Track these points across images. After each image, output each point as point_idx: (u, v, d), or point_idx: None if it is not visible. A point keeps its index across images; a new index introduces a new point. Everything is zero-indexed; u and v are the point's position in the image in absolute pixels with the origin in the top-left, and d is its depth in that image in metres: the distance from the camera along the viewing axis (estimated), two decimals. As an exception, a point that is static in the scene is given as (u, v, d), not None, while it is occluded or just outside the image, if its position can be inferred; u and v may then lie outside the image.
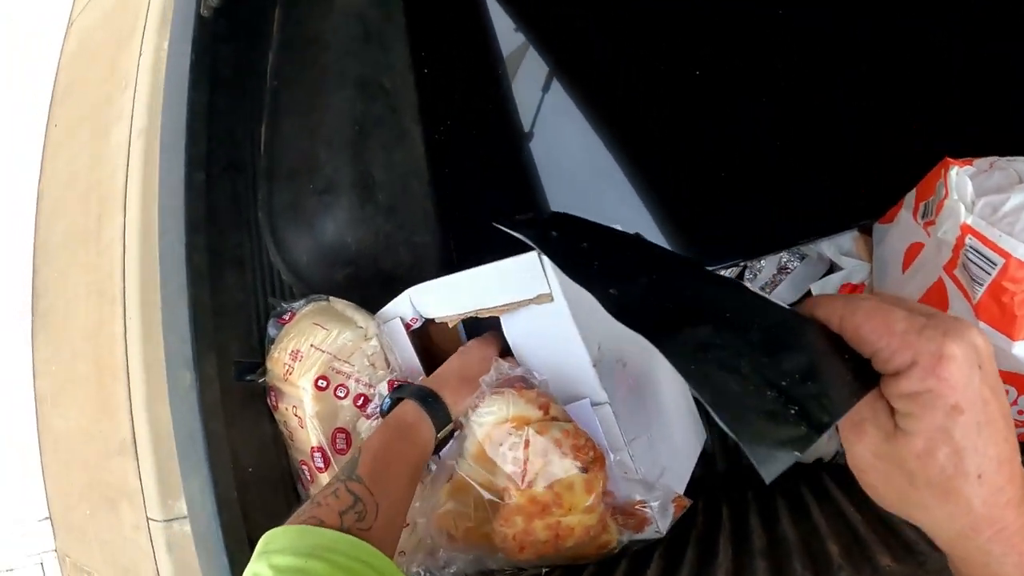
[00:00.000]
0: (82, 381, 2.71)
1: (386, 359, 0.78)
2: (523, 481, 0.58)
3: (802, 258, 0.87)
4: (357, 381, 0.75)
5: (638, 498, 0.63)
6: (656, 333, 0.36)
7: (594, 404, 0.63)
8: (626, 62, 1.04)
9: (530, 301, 0.64)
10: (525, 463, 0.57)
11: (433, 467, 0.69)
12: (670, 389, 0.80)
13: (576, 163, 1.10)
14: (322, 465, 0.73)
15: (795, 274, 0.86)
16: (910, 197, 0.69)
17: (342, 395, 0.75)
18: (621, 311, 0.40)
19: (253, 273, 0.88)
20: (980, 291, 0.55)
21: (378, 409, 0.71)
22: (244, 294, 0.86)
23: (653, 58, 1.02)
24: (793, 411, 0.30)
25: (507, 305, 0.67)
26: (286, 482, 0.83)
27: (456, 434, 0.67)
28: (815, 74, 0.93)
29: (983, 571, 0.33)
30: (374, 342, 0.77)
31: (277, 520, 0.78)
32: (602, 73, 1.07)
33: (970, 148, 0.64)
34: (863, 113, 0.91)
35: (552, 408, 0.61)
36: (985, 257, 0.54)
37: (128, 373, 2.47)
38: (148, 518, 2.30)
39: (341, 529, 0.48)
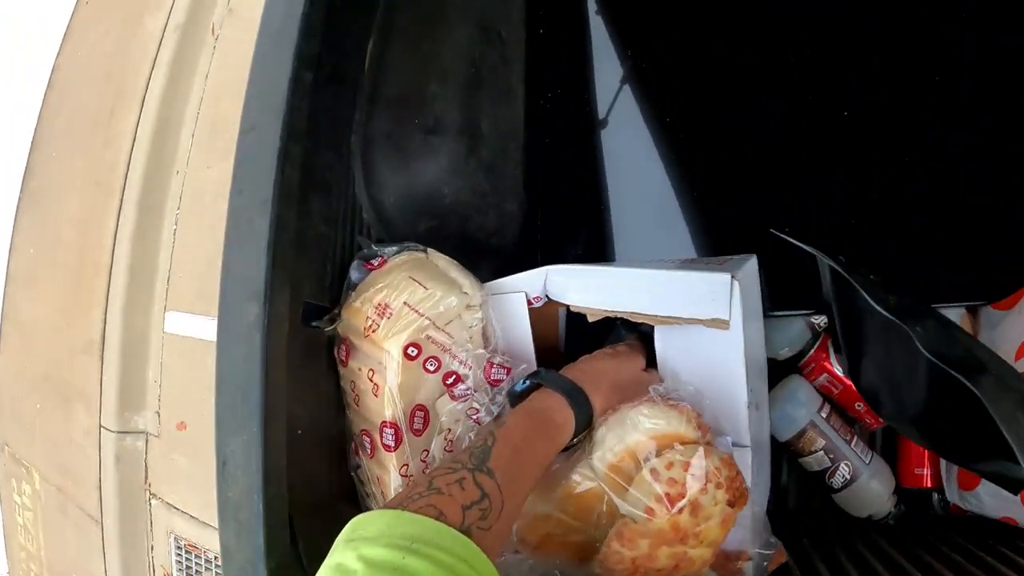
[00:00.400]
0: (60, 270, 2.53)
1: (484, 335, 0.67)
2: (674, 505, 0.50)
3: None
4: (452, 356, 0.63)
5: (746, 548, 0.59)
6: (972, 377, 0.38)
7: (735, 445, 0.57)
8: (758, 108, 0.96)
9: (702, 322, 0.58)
10: (683, 485, 0.51)
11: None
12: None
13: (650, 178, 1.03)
14: (391, 443, 0.61)
15: None
16: None
17: (432, 368, 0.62)
18: (932, 351, 0.43)
19: (339, 203, 0.76)
20: None
21: (505, 392, 0.60)
22: (327, 226, 0.73)
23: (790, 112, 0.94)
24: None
25: (674, 318, 0.58)
26: (334, 451, 0.71)
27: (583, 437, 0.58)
28: (951, 148, 0.86)
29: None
30: (479, 314, 0.64)
31: (320, 498, 0.68)
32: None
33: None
34: (998, 198, 0.85)
35: (709, 434, 0.55)
36: None
37: (111, 272, 2.31)
38: (102, 426, 2.15)
39: (462, 526, 0.41)
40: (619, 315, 0.60)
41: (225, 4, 2.53)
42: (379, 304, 0.63)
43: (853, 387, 0.80)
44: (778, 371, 0.89)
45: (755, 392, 0.63)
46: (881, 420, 0.80)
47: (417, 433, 0.61)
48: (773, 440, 0.85)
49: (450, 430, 0.64)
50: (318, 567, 0.42)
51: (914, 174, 0.80)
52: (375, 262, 0.70)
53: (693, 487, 0.51)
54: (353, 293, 0.68)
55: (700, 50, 1.00)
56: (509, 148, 1.00)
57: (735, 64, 0.96)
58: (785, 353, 0.85)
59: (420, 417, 0.62)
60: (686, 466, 0.51)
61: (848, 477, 0.78)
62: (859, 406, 0.81)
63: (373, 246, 0.72)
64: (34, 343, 2.54)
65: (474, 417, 0.64)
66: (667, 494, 0.51)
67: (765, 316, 0.79)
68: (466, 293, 0.65)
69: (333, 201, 0.74)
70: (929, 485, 0.79)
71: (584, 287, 0.62)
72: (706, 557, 0.56)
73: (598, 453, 0.55)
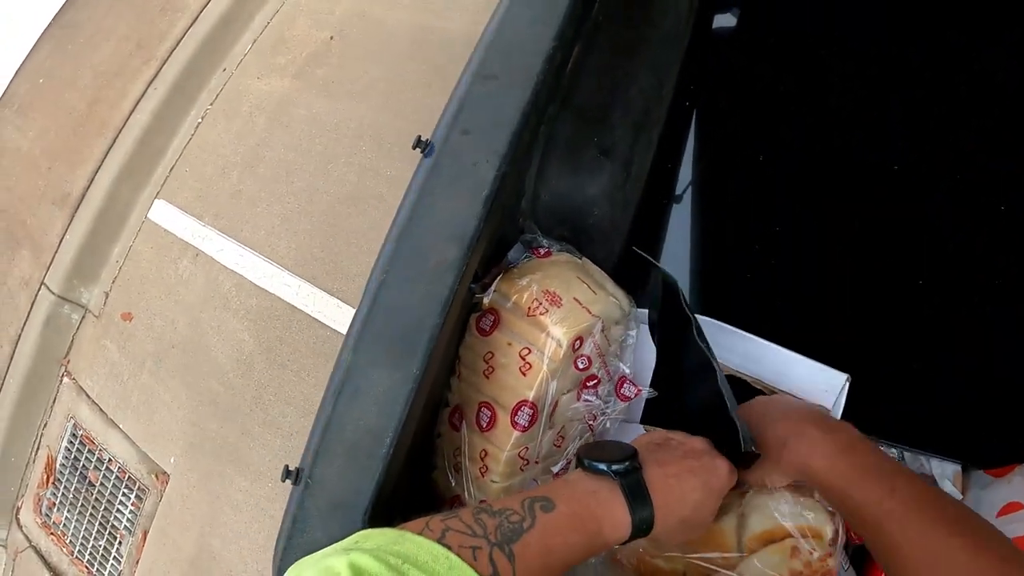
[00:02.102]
0: (64, 112, 2.40)
1: (622, 351, 0.70)
2: None
3: (902, 458, 0.90)
4: (603, 362, 0.66)
5: None
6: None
7: None
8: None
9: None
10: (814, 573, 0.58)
11: None
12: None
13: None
14: (525, 423, 0.62)
15: None
16: (1022, 470, 0.80)
17: (582, 367, 0.64)
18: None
19: (517, 176, 0.78)
20: None
21: (583, 455, 0.53)
22: (511, 198, 0.75)
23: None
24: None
25: (787, 391, 0.65)
26: (435, 404, 0.71)
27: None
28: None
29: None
30: (632, 330, 0.69)
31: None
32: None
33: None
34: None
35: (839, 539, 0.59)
36: None
37: (118, 136, 2.22)
38: (44, 283, 2.03)
39: None
40: (741, 376, 0.65)
41: (337, -68, 2.52)
42: (550, 292, 0.66)
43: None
44: None
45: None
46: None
47: (549, 423, 0.63)
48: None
49: (564, 427, 0.66)
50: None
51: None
52: (541, 250, 0.72)
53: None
54: (515, 271, 0.69)
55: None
56: (635, 193, 1.05)
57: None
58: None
59: (553, 408, 0.64)
60: (824, 559, 0.58)
61: None
62: None
63: (540, 235, 0.74)
64: (5, 173, 2.38)
65: (590, 423, 0.66)
66: (802, 573, 0.57)
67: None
68: (623, 310, 0.68)
69: (517, 179, 0.76)
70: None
71: (724, 344, 0.67)
72: None
73: (753, 514, 0.60)
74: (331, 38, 2.35)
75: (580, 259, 0.74)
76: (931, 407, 0.93)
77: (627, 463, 0.51)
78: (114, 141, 2.16)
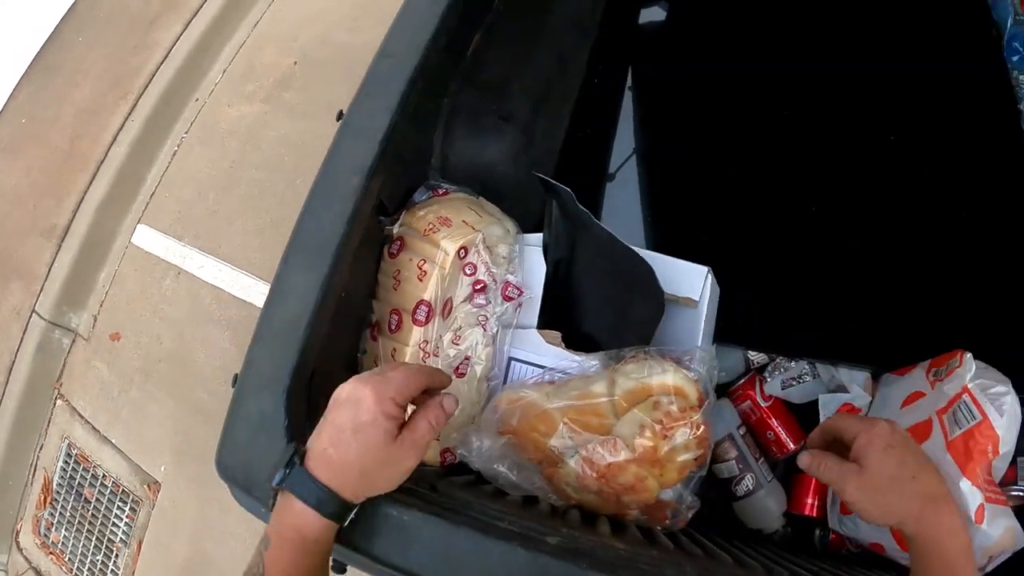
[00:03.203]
0: (48, 150, 2.64)
1: (511, 264, 0.88)
2: (664, 434, 0.69)
3: (815, 376, 1.05)
4: (488, 269, 0.84)
5: (675, 502, 0.74)
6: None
7: None
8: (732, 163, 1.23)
9: (678, 297, 0.81)
10: (677, 423, 0.68)
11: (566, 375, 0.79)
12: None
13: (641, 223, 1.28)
14: (423, 318, 0.80)
15: (806, 385, 1.04)
16: (924, 364, 0.93)
17: (469, 272, 0.83)
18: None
19: (423, 137, 0.98)
20: (957, 432, 0.78)
21: (274, 480, 0.60)
22: (412, 154, 0.94)
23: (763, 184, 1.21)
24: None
25: None
26: (353, 328, 0.88)
27: (609, 366, 0.76)
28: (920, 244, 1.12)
29: (938, 538, 0.57)
30: (514, 248, 0.86)
31: (333, 357, 0.83)
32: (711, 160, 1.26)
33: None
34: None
35: (707, 405, 0.71)
36: (970, 412, 0.79)
37: (99, 168, 2.44)
38: (35, 310, 2.24)
39: None
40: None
41: (295, -33, 2.78)
42: (442, 216, 0.84)
43: (767, 418, 1.03)
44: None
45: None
46: (784, 452, 1.03)
47: (443, 318, 0.81)
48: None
49: (461, 327, 0.84)
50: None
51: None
52: (440, 191, 0.91)
53: (682, 428, 0.68)
54: (417, 206, 0.88)
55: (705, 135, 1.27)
56: (547, 161, 1.24)
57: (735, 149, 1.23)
58: (721, 376, 1.08)
59: (448, 307, 0.82)
60: (684, 411, 0.68)
61: (750, 488, 0.99)
62: (769, 435, 1.04)
63: (442, 179, 0.93)
64: (-7, 209, 2.61)
65: (482, 322, 0.84)
66: (662, 422, 0.68)
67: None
68: (508, 231, 0.87)
69: (420, 137, 0.96)
70: (814, 514, 0.99)
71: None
72: (653, 493, 0.71)
73: (621, 378, 0.71)
74: (295, 63, 2.59)
75: (476, 197, 0.93)
76: (839, 324, 1.09)
77: (284, 470, 0.57)
78: (96, 173, 2.38)
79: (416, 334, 0.81)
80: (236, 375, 0.78)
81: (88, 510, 2.21)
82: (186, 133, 2.59)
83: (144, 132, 2.50)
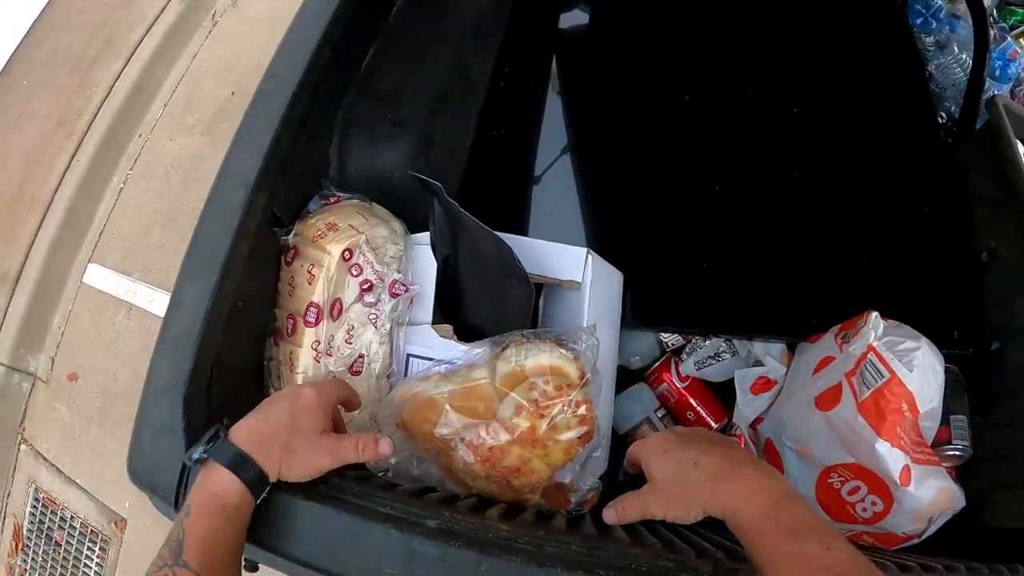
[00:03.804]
0: (3, 190, 2.68)
1: (400, 264, 0.94)
2: (539, 412, 0.71)
3: (733, 353, 1.09)
4: (372, 269, 0.90)
5: (570, 481, 0.76)
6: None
7: None
8: (646, 153, 1.28)
9: (561, 281, 0.87)
10: (552, 401, 0.72)
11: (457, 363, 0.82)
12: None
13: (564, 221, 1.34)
14: (313, 320, 0.86)
15: (724, 363, 1.08)
16: (835, 328, 0.94)
17: (355, 273, 0.89)
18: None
19: (316, 153, 1.04)
20: (867, 393, 0.79)
21: (191, 456, 0.68)
22: (303, 164, 1.00)
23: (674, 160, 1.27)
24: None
25: (542, 277, 0.87)
26: (256, 338, 0.93)
27: (492, 353, 0.79)
28: (818, 216, 1.17)
29: (735, 510, 0.58)
30: (401, 247, 0.93)
31: (237, 367, 0.89)
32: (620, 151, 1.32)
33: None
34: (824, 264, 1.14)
35: (587, 383, 0.74)
36: (878, 370, 0.79)
37: (47, 210, 2.49)
38: (-8, 355, 2.26)
39: None
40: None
41: (231, -5, 2.85)
42: (330, 222, 0.91)
43: (686, 399, 1.09)
44: (628, 380, 1.16)
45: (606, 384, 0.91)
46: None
47: (332, 318, 0.87)
48: (616, 434, 1.06)
49: (353, 327, 0.90)
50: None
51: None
52: (332, 199, 0.97)
53: (558, 406, 0.70)
54: (309, 215, 0.95)
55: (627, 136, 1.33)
56: (452, 162, 1.30)
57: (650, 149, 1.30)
58: (636, 362, 1.13)
59: (337, 308, 0.88)
60: (560, 389, 0.71)
61: None
62: (690, 415, 1.08)
63: (332, 188, 1.00)
64: (-58, 259, 2.65)
65: (373, 320, 0.90)
66: (537, 401, 0.71)
67: (623, 328, 1.08)
68: (395, 231, 0.94)
69: (313, 150, 1.02)
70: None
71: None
72: (542, 475, 0.73)
73: (501, 363, 0.74)
74: (232, 94, 2.65)
75: (368, 203, 0.99)
76: (754, 300, 1.13)
77: (208, 444, 0.65)
78: (44, 215, 2.43)
79: (308, 335, 0.87)
80: None
81: (59, 553, 2.24)
82: (131, 170, 2.64)
83: (90, 171, 2.56)
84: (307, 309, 0.87)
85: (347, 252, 0.88)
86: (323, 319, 0.86)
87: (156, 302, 2.36)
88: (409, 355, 0.94)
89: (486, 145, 1.37)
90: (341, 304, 0.89)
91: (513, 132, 1.45)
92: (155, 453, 0.78)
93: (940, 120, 1.31)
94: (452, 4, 1.36)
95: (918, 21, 1.41)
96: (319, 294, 0.86)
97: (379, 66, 1.17)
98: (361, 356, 0.89)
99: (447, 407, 0.77)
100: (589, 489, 0.77)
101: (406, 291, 0.91)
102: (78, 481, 2.27)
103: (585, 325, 0.88)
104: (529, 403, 0.72)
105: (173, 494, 0.75)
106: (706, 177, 1.23)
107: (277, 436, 0.65)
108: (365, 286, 0.89)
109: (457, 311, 0.96)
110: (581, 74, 1.47)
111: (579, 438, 0.74)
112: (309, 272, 0.88)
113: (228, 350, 0.86)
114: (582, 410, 0.73)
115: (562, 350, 0.76)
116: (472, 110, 1.37)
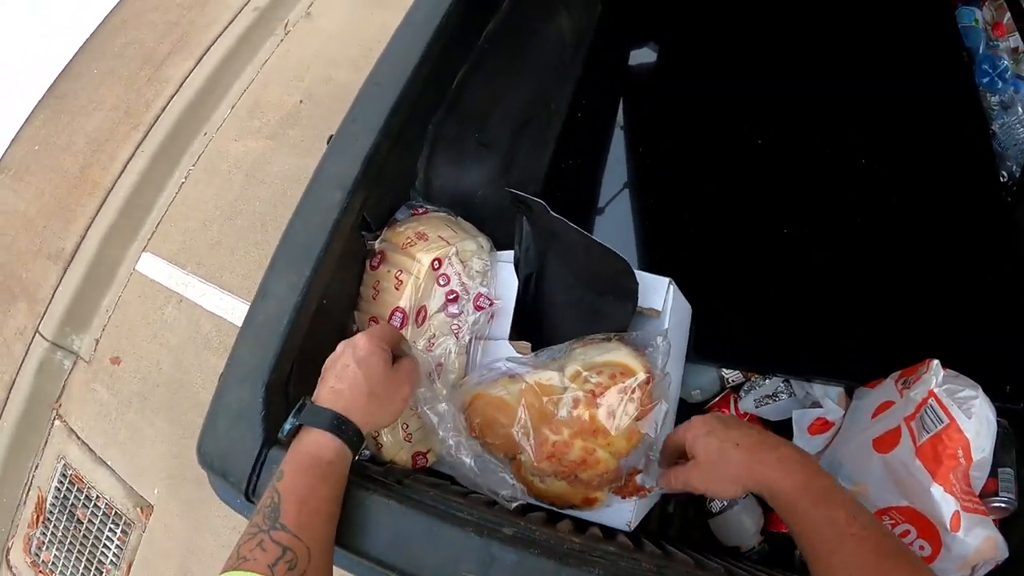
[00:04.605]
0: (59, 175, 2.76)
1: (484, 278, 0.95)
2: (595, 400, 0.73)
3: (790, 394, 1.08)
4: (460, 280, 0.91)
5: (640, 468, 0.76)
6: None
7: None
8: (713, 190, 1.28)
9: (642, 308, 0.87)
10: (607, 389, 0.73)
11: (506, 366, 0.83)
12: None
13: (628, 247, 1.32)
14: (397, 324, 0.86)
15: (782, 403, 1.07)
16: (895, 374, 0.94)
17: (443, 283, 0.89)
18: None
19: (408, 164, 1.05)
20: (925, 437, 0.80)
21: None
22: (396, 173, 1.02)
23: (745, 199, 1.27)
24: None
25: None
26: (335, 336, 0.94)
27: (563, 354, 0.80)
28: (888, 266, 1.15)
29: (773, 483, 0.62)
30: (487, 262, 0.93)
31: (314, 361, 0.89)
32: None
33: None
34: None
35: (651, 376, 0.75)
36: (937, 416, 0.80)
37: (108, 196, 2.53)
38: (38, 331, 2.31)
39: None
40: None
41: (305, 7, 2.93)
42: (419, 232, 0.91)
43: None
44: (688, 413, 1.13)
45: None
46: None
47: (417, 324, 0.87)
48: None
49: (435, 335, 0.90)
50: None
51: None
52: (420, 210, 0.98)
53: (613, 392, 0.72)
54: (398, 224, 0.95)
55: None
56: (529, 186, 1.31)
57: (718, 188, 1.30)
58: (696, 396, 1.12)
59: (422, 315, 0.88)
60: (614, 377, 0.73)
61: (725, 503, 1.01)
62: None
63: (420, 199, 1.00)
64: (2, 232, 2.70)
65: (455, 330, 0.90)
66: (592, 392, 0.72)
67: (687, 360, 1.07)
68: (482, 246, 0.94)
69: (405, 160, 1.03)
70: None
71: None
72: (609, 465, 0.74)
73: (569, 363, 0.76)
74: (300, 102, 2.70)
75: (454, 217, 1.00)
76: (814, 342, 1.12)
77: (297, 413, 0.67)
78: (104, 200, 2.48)
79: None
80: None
81: (80, 531, 2.24)
82: (193, 165, 2.69)
83: (153, 163, 2.61)
84: (392, 313, 0.87)
85: (436, 262, 0.88)
86: (408, 324, 0.86)
87: (207, 297, 2.38)
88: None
89: (561, 172, 1.39)
90: (426, 312, 0.89)
91: (587, 160, 1.46)
92: (230, 438, 0.78)
93: (1002, 179, 1.30)
94: (537, 35, 1.38)
95: (984, 80, 1.40)
96: (406, 300, 0.87)
97: (468, 87, 1.18)
98: (440, 364, 0.89)
99: (519, 407, 0.77)
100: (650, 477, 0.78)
101: (490, 305, 0.91)
102: (108, 462, 2.27)
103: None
104: (586, 394, 0.74)
105: (245, 480, 0.75)
106: (768, 206, 1.23)
107: (358, 388, 0.66)
108: (451, 296, 0.89)
109: (538, 329, 0.95)
110: (644, 100, 1.49)
111: (637, 421, 0.74)
112: (397, 278, 0.88)
113: (309, 346, 0.86)
114: (638, 396, 0.73)
115: (629, 348, 0.77)
116: (550, 137, 1.39)
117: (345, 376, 0.67)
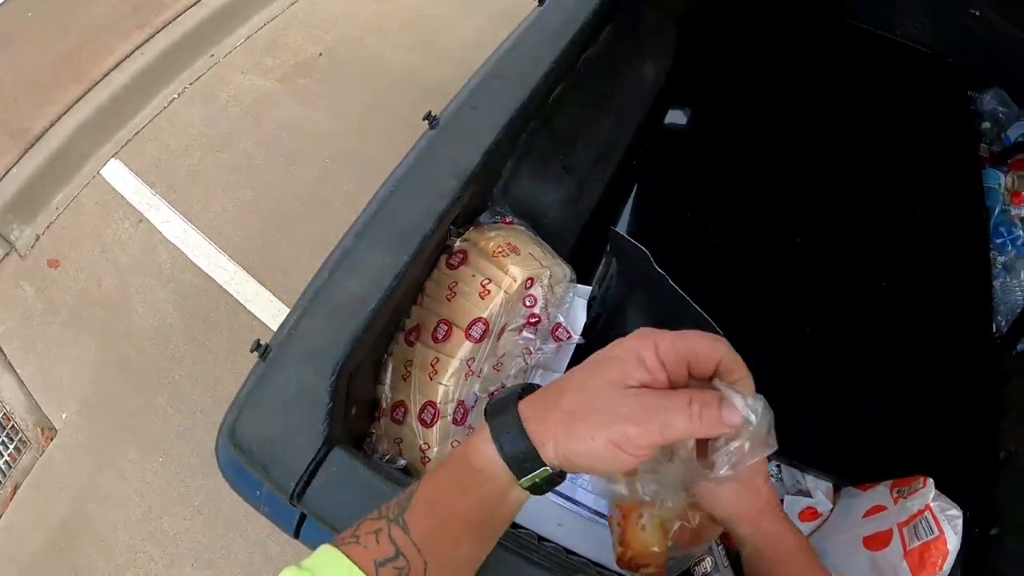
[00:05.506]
0: (46, 54, 2.53)
1: (564, 310, 0.89)
2: None
3: (779, 479, 1.09)
4: (545, 305, 0.84)
5: None
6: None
7: None
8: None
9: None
10: None
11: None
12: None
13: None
14: (477, 336, 0.78)
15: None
16: (887, 482, 1.00)
17: (529, 304, 0.83)
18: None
19: (500, 162, 0.98)
20: (916, 543, 0.87)
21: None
22: (492, 171, 0.95)
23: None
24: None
25: None
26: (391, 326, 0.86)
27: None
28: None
29: (775, 540, 0.55)
30: (568, 293, 0.88)
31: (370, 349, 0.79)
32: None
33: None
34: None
35: None
36: (930, 527, 0.87)
37: (92, 89, 2.32)
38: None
39: None
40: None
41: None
42: (510, 243, 0.85)
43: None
44: None
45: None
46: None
47: (496, 340, 0.81)
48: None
49: (504, 356, 0.84)
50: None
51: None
52: (507, 218, 0.92)
53: None
54: (485, 227, 0.89)
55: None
56: (586, 215, 1.27)
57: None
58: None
59: (500, 332, 0.82)
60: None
61: (708, 570, 1.01)
62: None
63: (507, 208, 0.94)
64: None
65: (526, 355, 0.84)
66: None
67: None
68: (567, 275, 0.88)
69: (497, 162, 0.97)
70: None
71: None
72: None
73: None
74: (320, 54, 2.56)
75: (534, 235, 0.94)
76: (809, 430, 1.13)
77: (501, 401, 0.46)
78: (87, 92, 2.26)
79: (466, 349, 0.79)
80: (261, 342, 0.73)
81: (-36, 435, 2.00)
82: (191, 84, 2.50)
83: (149, 68, 2.40)
84: (473, 323, 0.79)
85: (529, 280, 0.82)
86: (488, 338, 0.79)
87: (171, 225, 2.20)
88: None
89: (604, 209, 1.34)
90: (504, 329, 0.82)
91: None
92: (283, 425, 0.67)
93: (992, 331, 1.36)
94: (627, 74, 1.35)
95: (998, 241, 1.47)
96: (491, 311, 0.80)
97: (562, 105, 1.13)
98: (503, 386, 0.82)
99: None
100: None
101: (568, 338, 0.85)
102: (17, 369, 2.05)
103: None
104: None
105: (295, 480, 0.63)
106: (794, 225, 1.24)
107: (561, 398, 0.43)
108: (533, 319, 0.83)
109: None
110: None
111: None
112: (483, 286, 0.81)
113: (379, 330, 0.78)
114: None
115: None
116: (609, 173, 1.35)
117: (565, 379, 0.44)
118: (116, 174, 2.34)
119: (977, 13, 1.33)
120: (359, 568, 0.40)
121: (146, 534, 1.79)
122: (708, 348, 0.43)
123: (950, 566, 0.87)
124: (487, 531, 0.46)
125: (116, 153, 2.36)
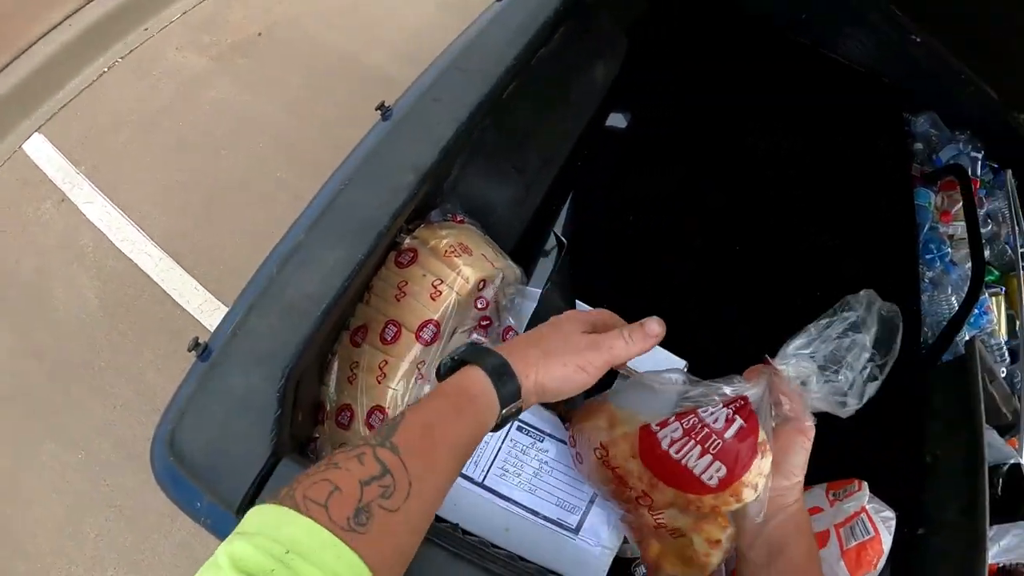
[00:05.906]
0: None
1: (513, 313, 0.88)
2: None
3: None
4: (496, 307, 0.83)
5: None
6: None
7: None
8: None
9: None
10: None
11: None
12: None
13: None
14: (427, 338, 0.75)
15: None
16: (822, 485, 1.02)
17: (480, 306, 0.81)
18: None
19: (453, 159, 0.96)
20: (852, 544, 0.92)
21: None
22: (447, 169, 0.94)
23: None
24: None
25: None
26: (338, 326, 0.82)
27: None
28: None
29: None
30: (517, 292, 0.87)
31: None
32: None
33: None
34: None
35: None
36: (866, 527, 0.92)
37: (16, 59, 2.26)
38: None
39: (360, 503, 0.40)
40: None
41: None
42: (462, 243, 0.83)
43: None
44: None
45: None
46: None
47: (446, 342, 0.80)
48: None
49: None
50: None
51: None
52: (459, 217, 0.90)
53: None
54: (435, 225, 0.87)
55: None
56: (528, 217, 1.26)
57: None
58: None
59: (450, 334, 0.80)
60: None
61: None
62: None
63: (459, 207, 0.93)
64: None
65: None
66: None
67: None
68: (518, 276, 0.87)
69: (456, 155, 0.95)
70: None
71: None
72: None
73: None
74: (259, 34, 2.47)
75: (484, 235, 0.93)
76: None
77: (469, 343, 0.61)
78: (11, 62, 2.11)
79: (415, 351, 0.78)
80: (199, 340, 0.69)
81: None
82: (122, 58, 2.37)
83: (79, 39, 2.26)
84: (424, 325, 0.78)
85: (481, 282, 0.81)
86: (439, 340, 0.78)
87: (93, 206, 2.09)
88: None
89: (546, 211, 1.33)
90: (455, 331, 0.81)
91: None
92: (228, 434, 0.62)
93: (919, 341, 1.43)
94: (578, 74, 1.35)
95: (927, 256, 1.54)
96: (442, 313, 0.78)
97: (513, 104, 1.12)
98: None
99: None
100: None
101: (517, 341, 0.84)
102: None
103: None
104: None
105: (241, 495, 0.60)
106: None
107: (533, 342, 0.57)
108: (484, 322, 0.82)
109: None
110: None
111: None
112: (434, 287, 0.80)
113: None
114: None
115: None
116: (553, 175, 1.35)
117: (531, 334, 0.59)
118: (39, 150, 2.20)
119: (918, 40, 1.39)
120: (342, 489, 0.40)
121: (66, 536, 1.69)
122: (608, 316, 0.62)
123: (883, 564, 0.92)
124: (466, 457, 0.50)
125: (40, 128, 2.21)
